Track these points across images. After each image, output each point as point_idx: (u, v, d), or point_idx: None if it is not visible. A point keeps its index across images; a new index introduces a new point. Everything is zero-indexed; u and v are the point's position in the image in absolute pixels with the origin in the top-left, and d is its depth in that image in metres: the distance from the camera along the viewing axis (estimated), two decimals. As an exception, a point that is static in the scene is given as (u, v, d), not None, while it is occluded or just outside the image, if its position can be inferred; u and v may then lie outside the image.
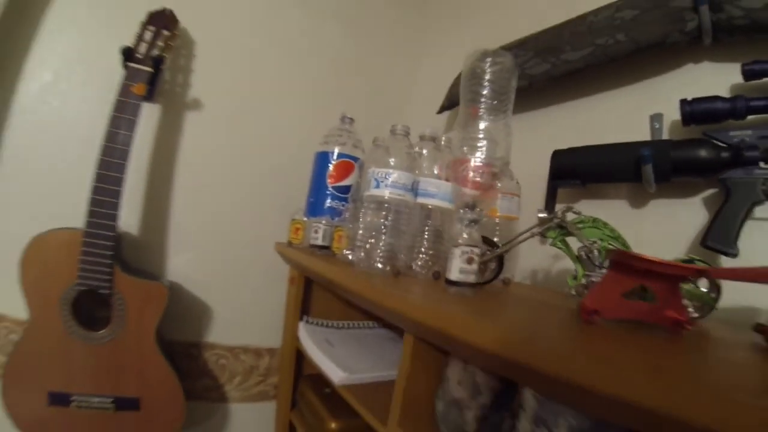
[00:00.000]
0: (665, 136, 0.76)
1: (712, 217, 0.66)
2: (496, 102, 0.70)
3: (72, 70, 1.00)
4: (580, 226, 0.58)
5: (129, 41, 0.92)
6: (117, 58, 0.90)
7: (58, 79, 0.99)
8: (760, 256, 0.64)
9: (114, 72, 0.90)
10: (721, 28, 0.68)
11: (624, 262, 0.42)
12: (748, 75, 0.64)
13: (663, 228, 0.75)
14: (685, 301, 0.53)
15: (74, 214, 0.86)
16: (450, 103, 1.16)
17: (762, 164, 0.63)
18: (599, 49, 0.81)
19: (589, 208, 0.87)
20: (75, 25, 1.00)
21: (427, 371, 0.59)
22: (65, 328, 0.86)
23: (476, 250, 0.56)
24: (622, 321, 0.45)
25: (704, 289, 0.54)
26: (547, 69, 0.89)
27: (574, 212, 0.60)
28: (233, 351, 1.19)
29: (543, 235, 0.60)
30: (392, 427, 0.58)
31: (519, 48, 0.98)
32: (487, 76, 0.69)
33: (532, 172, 0.89)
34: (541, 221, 0.60)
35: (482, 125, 0.70)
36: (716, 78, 0.72)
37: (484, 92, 0.69)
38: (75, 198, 0.87)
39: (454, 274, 0.56)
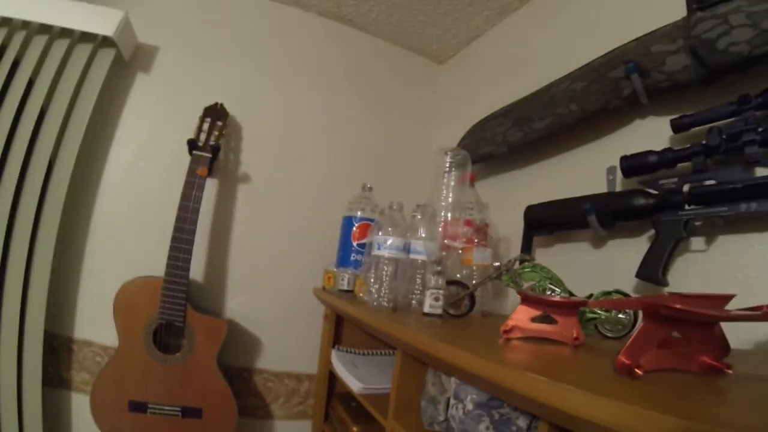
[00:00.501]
0: (618, 186, 0.93)
1: (645, 253, 0.81)
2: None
3: (147, 152, 1.32)
4: (520, 272, 0.77)
5: (189, 127, 1.22)
6: (181, 141, 1.20)
7: (137, 159, 1.31)
8: (691, 283, 0.79)
9: (179, 151, 1.21)
10: (652, 90, 0.84)
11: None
12: (675, 128, 0.80)
13: (617, 264, 0.91)
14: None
15: (152, 264, 1.17)
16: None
17: (686, 206, 0.78)
18: (557, 118, 1.00)
19: (560, 250, 1.06)
20: (146, 117, 1.33)
21: (413, 377, 0.80)
22: (146, 351, 1.13)
23: (441, 292, 0.77)
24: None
25: (621, 315, 0.71)
26: (522, 136, 1.10)
27: (526, 260, 0.79)
28: (279, 376, 1.43)
29: (499, 278, 0.80)
30: (390, 420, 0.79)
31: (503, 117, 1.19)
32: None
33: (516, 223, 1.09)
34: (496, 269, 0.80)
35: (458, 196, 0.93)
36: (661, 129, 0.86)
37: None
38: (152, 253, 1.18)
39: (426, 308, 0.79)
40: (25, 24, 1.18)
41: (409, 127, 1.73)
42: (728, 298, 0.56)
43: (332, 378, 1.28)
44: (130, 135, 1.32)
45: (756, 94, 0.69)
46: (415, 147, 1.73)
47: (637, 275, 0.81)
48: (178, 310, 1.12)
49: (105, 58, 1.23)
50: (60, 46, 1.19)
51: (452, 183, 1.06)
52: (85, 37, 1.21)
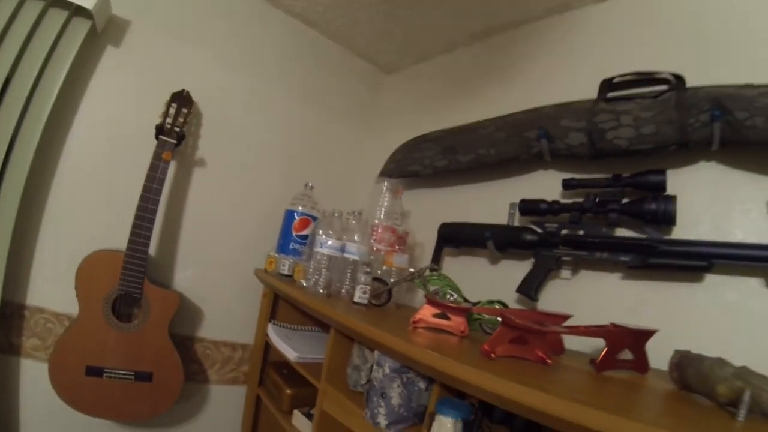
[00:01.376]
0: (516, 220, 1.22)
1: (525, 275, 1.12)
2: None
3: (111, 127, 1.39)
4: (428, 278, 1.05)
5: (153, 106, 1.35)
6: (144, 119, 1.34)
7: (100, 134, 1.38)
8: (557, 302, 1.10)
9: (143, 130, 1.34)
10: (555, 153, 1.13)
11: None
12: (564, 186, 1.10)
13: (506, 279, 1.20)
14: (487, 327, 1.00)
15: (110, 238, 1.32)
16: (383, 174, 1.65)
17: (560, 247, 1.08)
18: (478, 157, 1.28)
19: (464, 261, 1.37)
20: (113, 92, 1.40)
21: (342, 350, 1.06)
22: (105, 319, 1.26)
23: (368, 287, 1.06)
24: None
25: (498, 318, 1.00)
26: (446, 164, 1.38)
27: (434, 269, 1.07)
28: (216, 344, 1.62)
29: (411, 281, 1.07)
30: (323, 383, 1.05)
31: (433, 142, 1.46)
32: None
33: (432, 232, 1.37)
34: (410, 273, 1.07)
35: (388, 203, 1.19)
36: (555, 182, 1.14)
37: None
38: (111, 226, 1.33)
39: (356, 298, 1.07)
40: None
41: (350, 130, 1.96)
42: (566, 317, 0.87)
43: (266, 348, 1.51)
44: (96, 107, 1.38)
45: (626, 175, 0.99)
46: (355, 149, 1.97)
47: (517, 291, 1.11)
48: (137, 282, 1.27)
49: (80, 28, 1.26)
50: (32, 10, 1.20)
51: (386, 200, 1.33)
52: (60, 2, 1.22)
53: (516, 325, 0.72)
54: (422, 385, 0.88)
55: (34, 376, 1.32)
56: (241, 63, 1.63)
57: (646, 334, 0.76)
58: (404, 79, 1.96)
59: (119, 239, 1.29)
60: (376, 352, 0.91)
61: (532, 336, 0.76)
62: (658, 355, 0.77)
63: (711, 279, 0.90)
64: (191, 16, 1.53)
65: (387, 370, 0.86)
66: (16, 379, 1.32)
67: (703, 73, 0.94)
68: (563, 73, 1.26)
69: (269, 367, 1.48)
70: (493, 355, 0.71)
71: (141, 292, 1.29)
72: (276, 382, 1.36)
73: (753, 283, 0.86)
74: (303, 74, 1.80)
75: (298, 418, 1.22)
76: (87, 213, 1.38)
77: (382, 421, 0.84)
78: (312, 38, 1.81)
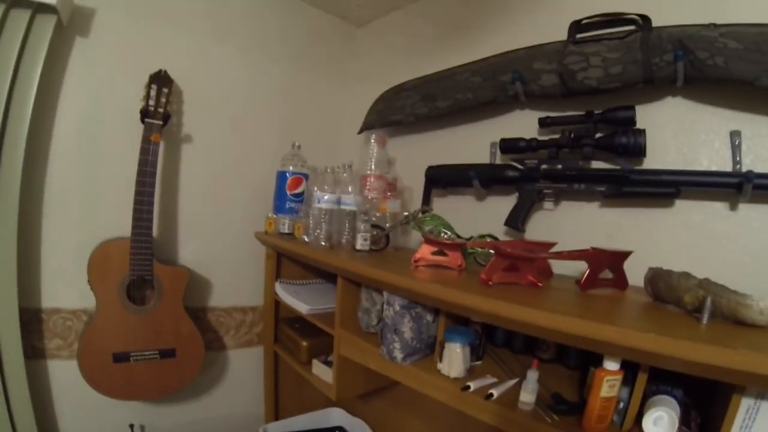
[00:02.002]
0: (498, 159, 1.32)
1: (511, 209, 1.22)
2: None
3: (92, 118, 1.41)
4: (422, 219, 1.15)
5: (132, 90, 1.39)
6: (125, 104, 1.40)
7: (83, 126, 1.40)
8: (542, 231, 1.22)
9: (126, 115, 1.40)
10: (529, 94, 1.21)
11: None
12: (540, 124, 1.18)
13: (493, 214, 1.30)
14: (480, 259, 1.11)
15: (111, 227, 1.39)
16: (365, 126, 1.70)
17: (541, 181, 1.17)
18: (457, 102, 1.35)
19: (452, 201, 1.48)
20: (88, 82, 1.40)
21: (351, 296, 1.18)
22: (122, 306, 1.34)
23: (367, 235, 1.16)
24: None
25: (491, 251, 1.11)
26: (427, 111, 1.44)
27: (426, 210, 1.17)
28: (227, 311, 1.73)
29: (407, 224, 1.17)
30: (337, 329, 1.17)
31: (412, 90, 1.51)
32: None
33: (419, 176, 1.47)
34: (405, 217, 1.17)
35: (376, 153, 1.27)
36: (532, 121, 1.22)
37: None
38: (110, 215, 1.41)
39: (358, 246, 1.18)
40: None
41: (329, 86, 1.99)
42: (551, 244, 0.98)
43: (276, 306, 1.63)
44: (74, 102, 1.39)
45: (598, 112, 1.07)
46: (336, 104, 2.01)
47: (505, 224, 1.22)
48: (146, 264, 1.35)
49: (45, 25, 1.25)
50: None
51: (373, 150, 1.39)
52: (21, 2, 1.21)
53: (507, 254, 0.84)
54: (430, 318, 1.01)
55: (62, 375, 1.42)
56: (212, 34, 1.63)
57: (623, 255, 0.88)
58: (376, 31, 1.97)
59: (122, 227, 1.37)
60: (384, 292, 1.02)
61: (523, 263, 0.87)
62: (635, 273, 0.88)
63: (680, 204, 1.02)
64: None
65: (397, 308, 0.97)
66: (46, 381, 1.42)
67: (666, 13, 1.00)
68: (535, 15, 1.30)
69: (281, 323, 1.61)
70: (490, 283, 0.83)
71: (151, 273, 1.37)
72: (291, 336, 1.48)
73: (717, 206, 0.97)
74: (276, 37, 1.80)
75: (317, 367, 1.35)
76: (85, 207, 1.43)
77: (398, 354, 0.97)
78: (279, 1, 1.80)
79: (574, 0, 1.19)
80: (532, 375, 0.80)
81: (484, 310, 0.74)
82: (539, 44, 1.19)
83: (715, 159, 0.98)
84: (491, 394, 0.82)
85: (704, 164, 0.99)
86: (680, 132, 1.03)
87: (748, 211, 0.93)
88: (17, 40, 1.23)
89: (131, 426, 1.53)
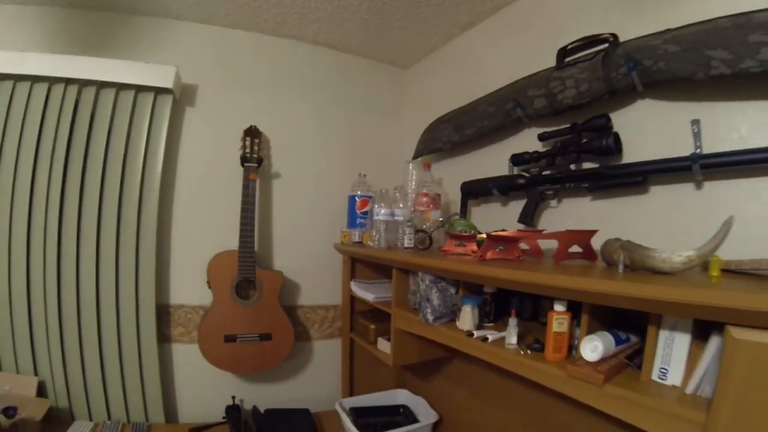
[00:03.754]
0: (514, 170, 1.66)
1: (522, 208, 1.56)
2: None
3: (204, 165, 2.01)
4: (453, 222, 1.53)
5: (230, 142, 1.95)
6: (226, 153, 1.97)
7: (197, 171, 2.00)
8: (549, 223, 1.54)
9: (227, 161, 1.96)
10: (529, 116, 1.56)
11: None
12: (540, 139, 1.52)
13: (513, 215, 1.63)
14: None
15: (219, 244, 1.91)
16: (416, 154, 2.13)
17: (543, 184, 1.50)
18: (478, 129, 1.73)
19: (484, 208, 1.83)
20: (198, 139, 2.00)
21: (402, 282, 1.59)
22: (232, 300, 1.87)
23: (412, 236, 1.56)
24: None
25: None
26: (458, 138, 1.83)
27: (456, 215, 1.55)
28: (313, 308, 2.23)
29: (442, 226, 1.56)
30: (394, 308, 1.59)
31: (447, 122, 1.92)
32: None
33: (458, 189, 1.84)
34: (440, 222, 1.57)
35: (419, 178, 1.68)
36: (534, 137, 1.55)
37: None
38: (218, 235, 1.95)
39: (405, 245, 1.58)
40: (94, 83, 1.75)
41: (383, 126, 2.48)
42: (539, 232, 1.32)
43: (352, 302, 2.08)
44: (190, 153, 2.00)
45: (580, 122, 1.36)
46: (389, 137, 2.50)
47: (519, 220, 1.56)
48: (250, 269, 1.87)
49: (165, 103, 1.86)
50: (127, 97, 1.79)
51: (414, 175, 1.83)
52: (144, 88, 1.81)
53: (493, 237, 1.21)
54: (452, 290, 1.39)
55: (182, 356, 1.99)
56: (286, 93, 2.19)
57: (588, 234, 1.19)
58: (419, 72, 2.43)
59: (229, 243, 1.90)
60: (420, 273, 1.42)
61: (509, 243, 1.22)
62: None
63: (654, 189, 1.24)
64: (238, 66, 2.09)
65: (427, 282, 1.37)
66: (170, 360, 1.99)
67: (630, 27, 1.26)
68: (536, 47, 1.64)
69: (356, 315, 2.05)
70: (485, 258, 1.19)
71: (254, 276, 1.88)
72: (362, 323, 1.92)
73: (686, 187, 1.16)
74: (337, 86, 2.32)
75: (381, 343, 1.77)
76: (201, 230, 2.01)
77: (430, 317, 1.36)
78: (338, 57, 2.32)
79: (559, 29, 1.52)
80: (512, 321, 1.14)
81: (479, 274, 1.13)
82: (533, 73, 1.54)
83: (681, 147, 1.13)
84: (486, 338, 1.18)
85: (673, 153, 1.14)
86: (651, 128, 1.26)
87: (712, 188, 1.11)
88: (147, 115, 1.83)
89: (233, 397, 1.98)
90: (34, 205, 1.75)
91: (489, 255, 1.21)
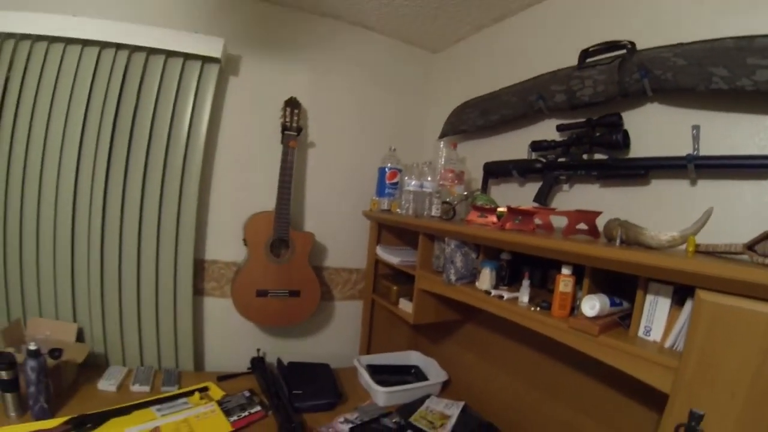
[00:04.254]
0: (532, 155, 1.87)
1: (538, 189, 1.78)
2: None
3: (244, 131, 2.19)
4: (476, 196, 1.75)
5: (271, 111, 2.13)
6: (266, 121, 2.14)
7: (238, 136, 2.18)
8: (560, 204, 1.75)
9: (267, 129, 2.15)
10: (549, 108, 1.75)
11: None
12: (558, 129, 1.73)
13: (529, 195, 1.83)
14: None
15: (255, 205, 2.10)
16: (443, 134, 2.34)
17: (558, 170, 1.71)
18: (502, 116, 1.93)
19: (503, 187, 2.03)
20: (241, 106, 2.18)
21: (427, 247, 1.82)
22: (266, 257, 2.08)
23: (440, 206, 1.77)
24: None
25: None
26: (483, 123, 2.03)
27: (477, 191, 1.77)
28: (337, 270, 2.46)
29: (466, 200, 1.78)
30: (418, 270, 1.83)
31: (473, 107, 2.12)
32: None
33: (480, 168, 2.06)
34: (464, 196, 1.78)
35: (447, 156, 1.89)
36: (553, 127, 1.75)
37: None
38: (255, 196, 2.14)
39: (432, 213, 1.82)
40: (144, 49, 1.83)
41: (411, 105, 2.67)
42: (551, 209, 1.53)
43: (376, 265, 2.32)
44: (232, 120, 2.17)
45: (595, 118, 1.54)
46: (418, 116, 2.69)
47: (534, 200, 1.77)
48: (285, 229, 2.08)
49: (212, 72, 1.97)
50: (175, 64, 1.89)
51: (446, 151, 2.03)
52: (191, 56, 1.89)
53: (512, 210, 1.42)
54: (474, 255, 1.62)
55: (213, 309, 2.20)
56: (325, 67, 2.36)
57: (594, 214, 1.40)
58: (447, 57, 2.62)
59: (265, 204, 2.10)
60: (446, 238, 1.64)
61: (525, 216, 1.44)
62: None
63: (655, 183, 1.39)
64: (281, 41, 2.25)
65: (452, 246, 1.60)
66: (202, 312, 2.19)
67: (648, 38, 1.39)
68: (559, 45, 1.82)
69: (379, 278, 2.29)
70: (505, 228, 1.41)
71: (288, 235, 2.09)
72: (385, 285, 2.16)
73: (682, 183, 1.31)
74: (373, 65, 2.50)
75: (403, 303, 2.00)
76: (239, 191, 2.20)
77: (453, 277, 1.59)
78: (374, 38, 2.49)
79: (582, 31, 1.69)
80: (525, 282, 1.37)
81: (501, 239, 1.35)
82: (556, 69, 1.72)
83: (682, 147, 1.26)
84: (502, 296, 1.41)
85: (674, 152, 1.28)
86: (656, 129, 1.40)
87: (704, 186, 1.26)
88: (193, 82, 1.95)
89: (258, 350, 2.16)
90: (82, 164, 1.84)
91: (508, 225, 1.42)
